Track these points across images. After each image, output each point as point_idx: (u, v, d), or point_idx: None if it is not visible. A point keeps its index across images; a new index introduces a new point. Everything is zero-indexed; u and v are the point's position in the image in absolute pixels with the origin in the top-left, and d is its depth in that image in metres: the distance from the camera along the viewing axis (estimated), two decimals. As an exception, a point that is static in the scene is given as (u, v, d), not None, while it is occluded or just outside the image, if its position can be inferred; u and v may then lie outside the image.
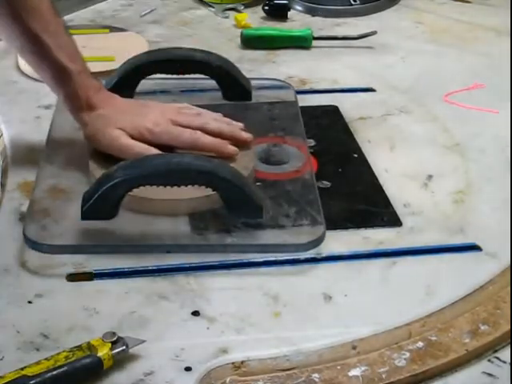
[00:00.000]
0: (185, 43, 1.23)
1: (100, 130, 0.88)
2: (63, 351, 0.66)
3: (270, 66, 1.19)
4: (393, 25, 1.33)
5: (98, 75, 0.97)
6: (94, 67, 1.00)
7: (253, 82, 1.03)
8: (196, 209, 0.84)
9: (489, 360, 0.70)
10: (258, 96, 1.02)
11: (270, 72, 1.16)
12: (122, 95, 0.93)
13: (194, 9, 1.38)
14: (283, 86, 1.07)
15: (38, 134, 0.96)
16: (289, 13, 1.33)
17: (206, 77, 1.00)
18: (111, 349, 0.66)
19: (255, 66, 1.18)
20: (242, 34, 1.24)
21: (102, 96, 0.90)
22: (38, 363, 0.65)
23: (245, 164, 0.88)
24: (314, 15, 1.36)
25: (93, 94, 0.89)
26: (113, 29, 1.26)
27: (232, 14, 1.35)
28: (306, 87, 1.13)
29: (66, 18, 1.30)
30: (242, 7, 1.37)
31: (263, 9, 1.34)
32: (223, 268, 0.79)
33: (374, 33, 1.25)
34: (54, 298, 0.75)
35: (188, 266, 0.79)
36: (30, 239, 0.79)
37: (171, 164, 0.81)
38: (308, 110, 1.06)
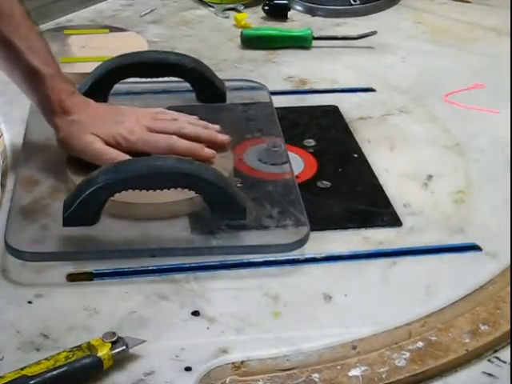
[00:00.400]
0: (185, 43, 1.23)
1: (74, 134, 0.87)
2: (63, 351, 0.66)
3: (270, 66, 1.19)
4: (393, 25, 1.33)
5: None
6: (94, 67, 1.00)
7: (226, 84, 1.02)
8: (178, 212, 0.83)
9: (489, 360, 0.70)
10: (232, 97, 1.02)
11: (270, 72, 1.16)
12: (96, 99, 0.92)
13: (194, 9, 1.38)
14: (257, 86, 1.06)
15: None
16: (289, 13, 1.33)
17: (180, 79, 1.00)
18: (111, 349, 0.66)
19: (255, 66, 1.18)
20: (241, 34, 1.24)
21: (75, 100, 0.89)
22: (38, 363, 0.65)
23: (224, 166, 0.88)
24: (313, 15, 1.36)
25: (66, 97, 0.88)
26: (113, 29, 1.26)
27: (232, 14, 1.35)
28: (306, 87, 1.13)
29: (65, 18, 1.31)
30: (242, 7, 1.37)
31: (263, 9, 1.34)
32: (223, 268, 0.79)
33: (373, 33, 1.25)
34: (53, 297, 0.75)
35: (188, 266, 0.79)
36: (10, 246, 0.77)
37: (153, 167, 0.80)
38: (308, 110, 1.06)
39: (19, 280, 0.77)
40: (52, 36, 1.18)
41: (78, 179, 0.83)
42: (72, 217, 0.79)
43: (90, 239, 0.80)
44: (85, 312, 0.73)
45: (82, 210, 0.79)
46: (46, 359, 0.65)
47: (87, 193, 0.78)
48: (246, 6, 1.38)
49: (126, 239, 0.81)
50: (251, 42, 1.24)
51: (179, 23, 1.32)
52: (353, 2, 1.36)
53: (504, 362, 0.70)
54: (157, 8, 1.37)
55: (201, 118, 0.93)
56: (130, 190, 0.79)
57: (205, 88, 1.00)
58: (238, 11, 1.36)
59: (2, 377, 0.63)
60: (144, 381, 0.66)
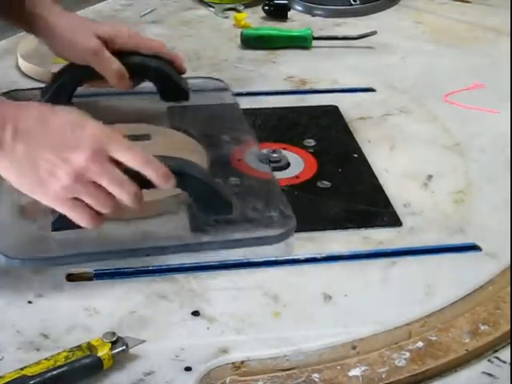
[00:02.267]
0: (185, 43, 1.23)
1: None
2: (63, 351, 0.66)
3: (270, 66, 1.19)
4: (393, 25, 1.33)
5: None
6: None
7: (190, 83, 1.01)
8: (165, 210, 0.84)
9: (489, 360, 0.70)
10: (196, 98, 1.01)
11: (270, 72, 1.16)
12: (59, 103, 0.83)
13: (194, 9, 1.38)
14: (222, 87, 1.06)
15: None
16: (289, 13, 1.33)
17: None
18: (111, 349, 0.66)
19: (255, 66, 1.18)
20: (241, 34, 1.24)
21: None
22: (37, 363, 0.65)
23: (199, 162, 0.86)
24: (313, 15, 1.36)
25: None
26: (113, 29, 1.26)
27: (232, 13, 1.34)
28: (306, 87, 1.13)
29: (65, 18, 1.31)
30: (242, 7, 1.37)
31: (263, 9, 1.34)
32: (223, 268, 0.79)
33: (373, 33, 1.25)
34: (53, 297, 0.75)
35: (188, 266, 0.79)
36: (1, 253, 0.76)
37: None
38: (308, 110, 1.06)
39: (19, 280, 0.77)
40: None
41: None
42: (61, 221, 0.77)
43: (81, 242, 0.79)
44: (85, 312, 0.73)
45: None
46: (45, 359, 0.65)
47: None
48: (246, 5, 1.37)
49: (116, 240, 0.81)
50: (251, 41, 1.24)
51: (179, 23, 1.32)
52: (353, 2, 1.36)
53: (504, 362, 0.70)
54: (157, 8, 1.37)
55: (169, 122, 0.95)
56: None
57: (167, 87, 0.99)
58: (238, 11, 1.35)
59: (2, 377, 0.63)
60: (144, 381, 0.66)
